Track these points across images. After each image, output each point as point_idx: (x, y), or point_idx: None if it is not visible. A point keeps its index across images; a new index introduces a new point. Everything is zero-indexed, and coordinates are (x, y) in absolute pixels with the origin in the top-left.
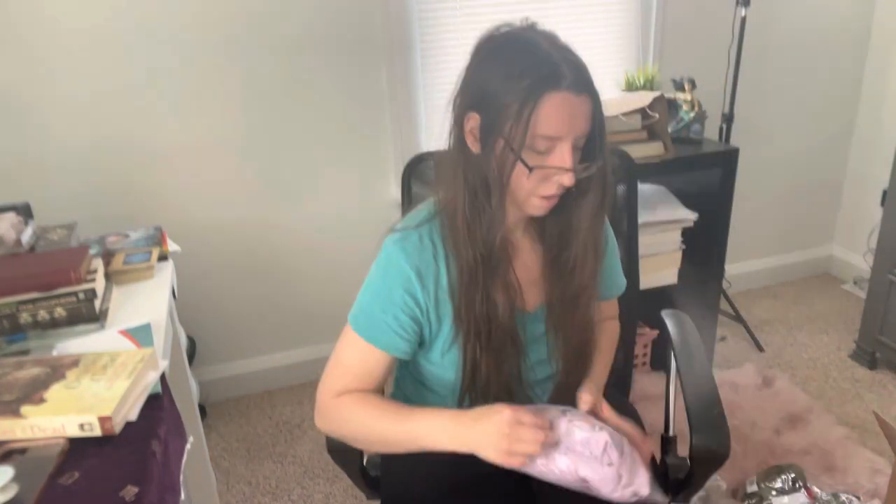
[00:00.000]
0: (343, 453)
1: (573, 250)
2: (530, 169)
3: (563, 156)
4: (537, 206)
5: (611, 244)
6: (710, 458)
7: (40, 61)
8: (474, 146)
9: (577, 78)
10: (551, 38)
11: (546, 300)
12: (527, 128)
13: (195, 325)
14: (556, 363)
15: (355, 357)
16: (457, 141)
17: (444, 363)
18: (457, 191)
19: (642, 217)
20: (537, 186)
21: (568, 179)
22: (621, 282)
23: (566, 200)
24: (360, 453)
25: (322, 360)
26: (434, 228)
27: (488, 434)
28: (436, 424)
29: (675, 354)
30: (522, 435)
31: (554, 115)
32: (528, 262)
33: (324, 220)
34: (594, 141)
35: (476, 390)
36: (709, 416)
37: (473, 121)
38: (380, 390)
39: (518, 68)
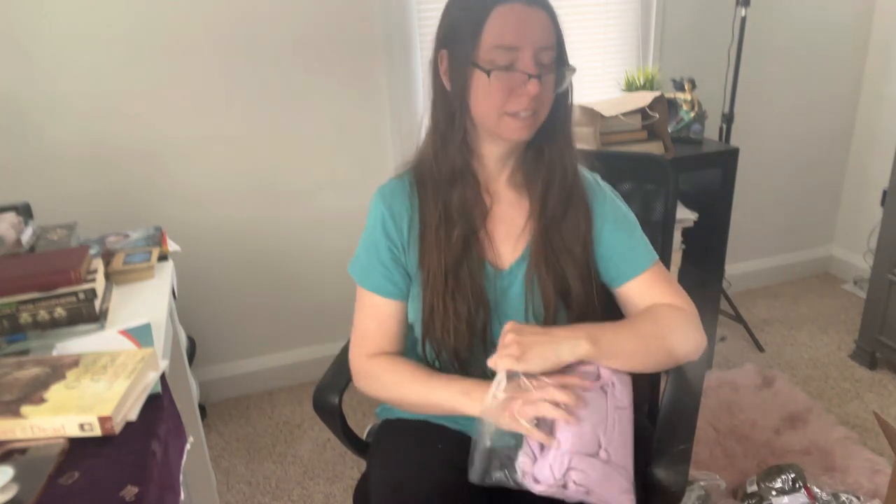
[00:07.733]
0: (328, 413)
1: (552, 187)
2: (487, 73)
3: (524, 63)
4: (510, 127)
5: (614, 215)
6: (664, 496)
7: (40, 62)
8: (448, 85)
9: None
10: None
11: (525, 254)
12: (479, 34)
13: (195, 325)
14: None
15: (364, 311)
16: (433, 83)
17: (412, 306)
18: (430, 131)
19: None
20: (505, 102)
21: (533, 87)
22: (642, 258)
23: (540, 140)
24: (342, 414)
25: (322, 360)
26: (414, 172)
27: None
28: (452, 393)
29: (670, 375)
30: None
31: (507, 24)
32: (509, 216)
33: (324, 219)
34: (561, 59)
35: (434, 339)
36: (675, 450)
37: (444, 58)
38: (404, 345)
39: None
